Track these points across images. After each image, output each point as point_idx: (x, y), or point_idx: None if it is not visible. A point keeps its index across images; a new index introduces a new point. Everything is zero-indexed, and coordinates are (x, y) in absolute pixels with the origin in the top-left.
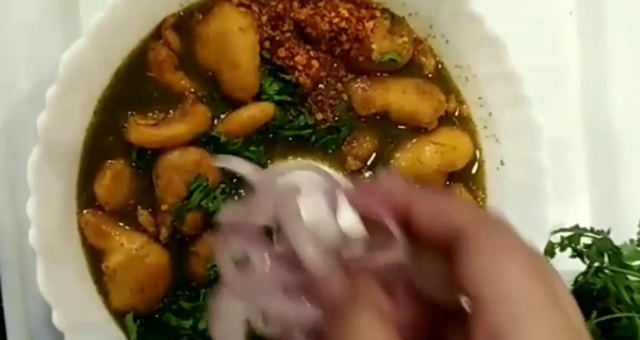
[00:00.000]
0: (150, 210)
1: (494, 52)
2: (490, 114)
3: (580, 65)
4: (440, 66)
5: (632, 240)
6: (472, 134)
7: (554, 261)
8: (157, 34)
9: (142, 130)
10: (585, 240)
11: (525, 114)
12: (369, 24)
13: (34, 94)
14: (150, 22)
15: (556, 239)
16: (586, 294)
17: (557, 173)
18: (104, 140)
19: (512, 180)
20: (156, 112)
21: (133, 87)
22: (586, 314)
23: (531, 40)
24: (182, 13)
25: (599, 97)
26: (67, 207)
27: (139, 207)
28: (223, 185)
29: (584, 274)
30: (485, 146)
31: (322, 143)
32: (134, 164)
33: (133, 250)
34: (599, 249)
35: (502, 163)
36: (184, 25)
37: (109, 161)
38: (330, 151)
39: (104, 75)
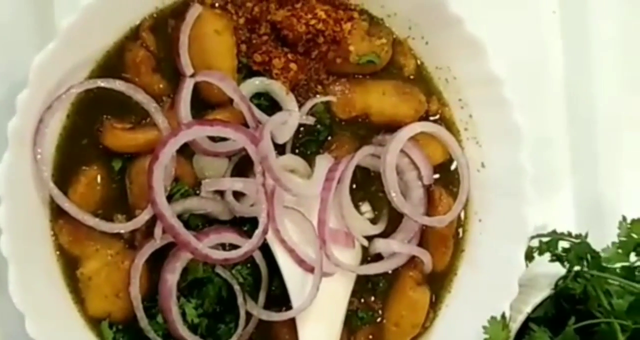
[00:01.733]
0: (125, 216)
1: (474, 53)
2: (470, 116)
3: (564, 65)
4: (421, 67)
5: (613, 243)
6: (455, 136)
7: (533, 264)
8: (133, 35)
9: (117, 134)
10: (565, 243)
11: (506, 116)
12: (347, 26)
13: (6, 98)
14: (126, 25)
15: (535, 243)
16: (567, 299)
17: (540, 174)
18: (78, 144)
19: (492, 183)
20: (133, 117)
21: (108, 90)
22: (568, 319)
23: (514, 40)
24: (158, 15)
25: (583, 96)
26: (40, 214)
27: (116, 213)
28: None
29: (564, 278)
30: (466, 149)
31: (301, 145)
32: (107, 170)
33: (108, 256)
34: (577, 253)
35: (482, 165)
36: (161, 28)
37: (83, 167)
38: (309, 153)
39: (77, 78)
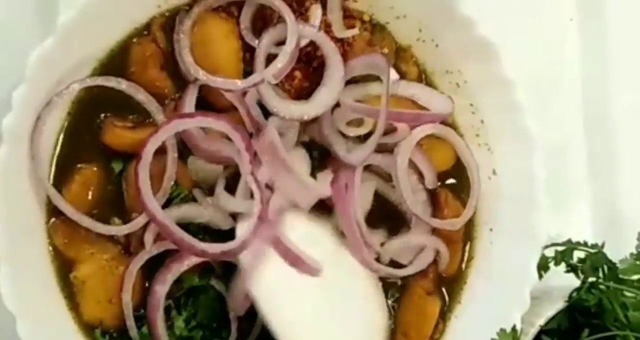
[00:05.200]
0: (121, 220)
1: (486, 57)
2: (482, 121)
3: (580, 69)
4: (424, 74)
5: (631, 254)
6: (466, 142)
7: (547, 276)
8: (140, 33)
9: (117, 132)
10: (580, 254)
11: (518, 121)
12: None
13: (6, 96)
14: (130, 24)
15: (551, 252)
16: (581, 311)
17: (556, 182)
18: (78, 143)
19: (504, 191)
20: (135, 116)
21: (110, 89)
22: (581, 332)
23: (531, 47)
24: (170, 13)
25: (600, 102)
26: (35, 214)
27: (113, 217)
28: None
29: (578, 289)
30: (477, 155)
31: None
32: (106, 171)
33: (103, 260)
34: (593, 263)
35: (494, 173)
36: (172, 27)
37: (79, 165)
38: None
39: (78, 76)
